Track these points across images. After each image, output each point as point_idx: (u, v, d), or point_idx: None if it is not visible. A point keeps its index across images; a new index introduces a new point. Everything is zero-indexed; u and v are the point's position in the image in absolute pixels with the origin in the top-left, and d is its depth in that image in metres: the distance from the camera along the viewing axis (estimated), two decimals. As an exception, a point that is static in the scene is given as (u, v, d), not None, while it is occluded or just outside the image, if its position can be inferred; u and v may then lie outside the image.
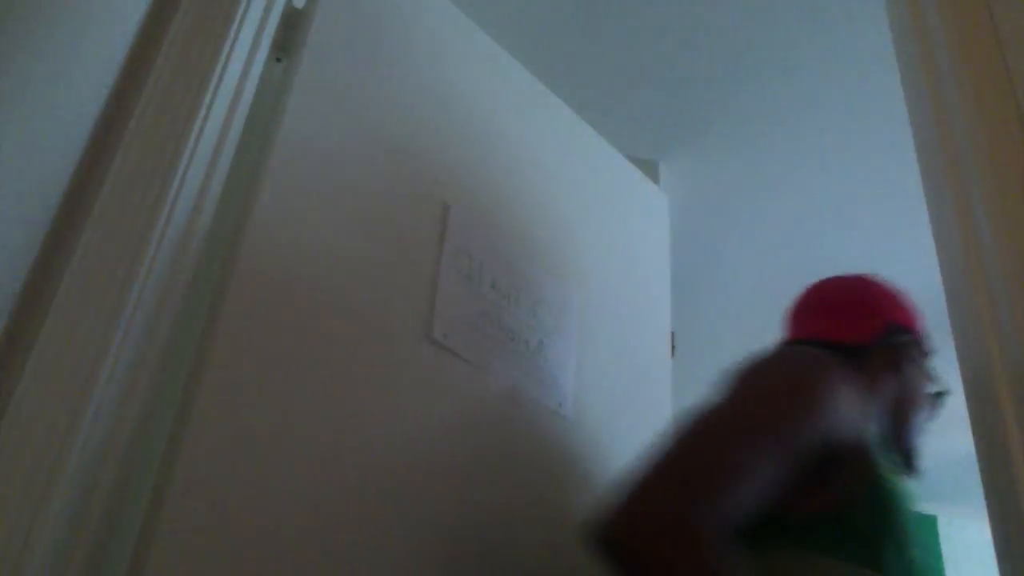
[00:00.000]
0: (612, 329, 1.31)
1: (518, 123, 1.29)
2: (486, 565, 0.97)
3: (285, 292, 0.90)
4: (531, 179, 1.26)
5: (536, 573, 1.02)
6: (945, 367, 0.97)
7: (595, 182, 1.43)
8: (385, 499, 0.91)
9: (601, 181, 1.44)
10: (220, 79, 0.90)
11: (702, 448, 0.80)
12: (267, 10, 1.01)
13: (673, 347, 1.49)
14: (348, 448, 0.89)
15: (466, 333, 1.03)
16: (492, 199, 1.17)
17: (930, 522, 3.51)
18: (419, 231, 1.05)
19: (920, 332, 1.11)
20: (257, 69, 0.98)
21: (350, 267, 0.97)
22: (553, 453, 1.11)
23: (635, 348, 1.35)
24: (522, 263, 1.16)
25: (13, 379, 0.71)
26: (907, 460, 1.05)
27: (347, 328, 0.94)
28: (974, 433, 0.78)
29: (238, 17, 0.94)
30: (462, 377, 1.02)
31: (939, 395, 1.12)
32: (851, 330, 1.07)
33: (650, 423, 1.26)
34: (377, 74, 1.09)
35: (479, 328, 1.05)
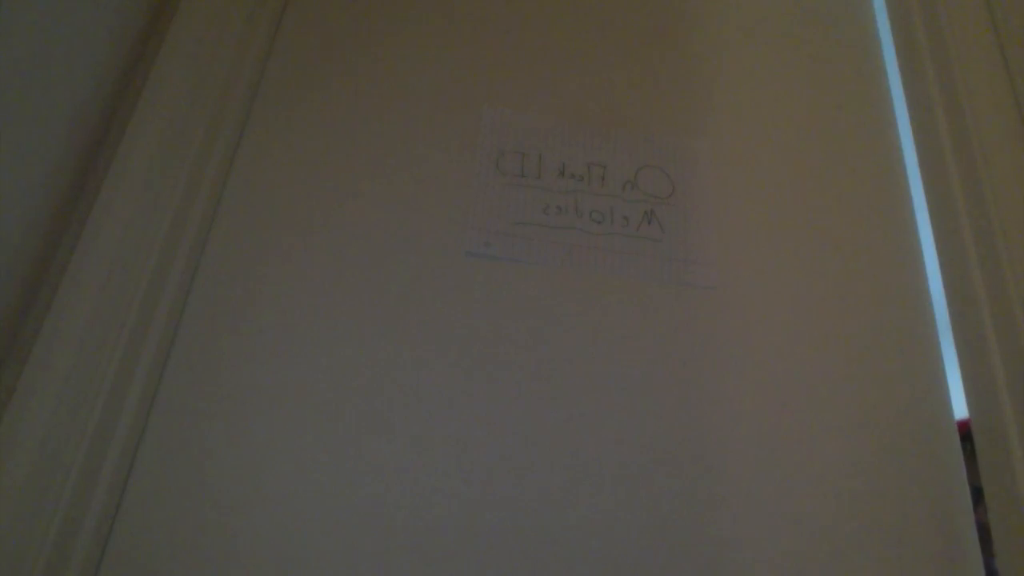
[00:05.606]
0: (765, 182, 1.05)
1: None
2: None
3: (288, 220, 0.89)
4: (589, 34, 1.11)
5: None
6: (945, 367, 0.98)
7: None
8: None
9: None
10: (220, 71, 0.89)
11: None
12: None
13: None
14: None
15: (522, 233, 0.95)
16: (539, 78, 1.06)
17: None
18: (451, 139, 0.99)
19: None
20: (256, 53, 0.96)
21: (370, 197, 0.94)
22: (690, 332, 0.91)
23: (804, 202, 1.04)
24: (602, 136, 1.04)
25: (13, 379, 0.70)
26: None
27: (371, 260, 0.90)
28: (974, 433, 0.79)
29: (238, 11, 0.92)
30: (524, 281, 0.92)
31: None
32: None
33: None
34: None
35: (544, 223, 0.96)
